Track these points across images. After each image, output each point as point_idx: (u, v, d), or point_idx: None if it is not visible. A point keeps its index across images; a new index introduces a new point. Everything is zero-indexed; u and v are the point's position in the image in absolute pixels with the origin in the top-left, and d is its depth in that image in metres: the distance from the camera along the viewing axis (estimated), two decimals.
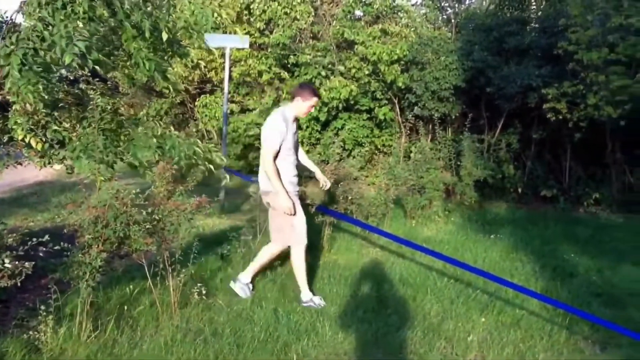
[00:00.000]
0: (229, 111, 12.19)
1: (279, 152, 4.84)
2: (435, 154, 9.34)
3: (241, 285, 5.09)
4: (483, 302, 5.11)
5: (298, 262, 5.00)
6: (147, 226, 4.17)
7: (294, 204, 4.86)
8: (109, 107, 5.17)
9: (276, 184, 4.78)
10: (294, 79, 11.59)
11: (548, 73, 9.71)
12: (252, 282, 5.19)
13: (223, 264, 5.81)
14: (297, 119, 5.06)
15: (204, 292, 4.71)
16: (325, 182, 5.44)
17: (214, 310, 4.69)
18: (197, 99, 12.97)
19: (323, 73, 11.17)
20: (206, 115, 12.55)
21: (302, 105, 4.99)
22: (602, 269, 6.34)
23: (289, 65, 11.92)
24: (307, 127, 11.53)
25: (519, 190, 10.59)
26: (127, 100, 15.25)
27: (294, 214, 4.87)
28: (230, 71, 12.06)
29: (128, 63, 5.14)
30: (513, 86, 9.74)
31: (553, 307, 4.96)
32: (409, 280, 5.64)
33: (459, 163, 9.46)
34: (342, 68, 11.25)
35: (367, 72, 11.01)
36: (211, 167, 5.16)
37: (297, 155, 5.12)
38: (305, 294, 4.97)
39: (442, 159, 9.24)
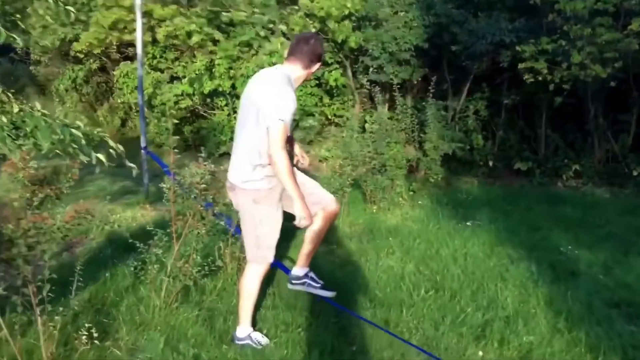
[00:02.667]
0: (155, 81, 10.58)
1: None
2: (396, 125, 7.99)
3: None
4: (477, 325, 3.82)
5: (250, 286, 3.52)
6: None
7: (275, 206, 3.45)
8: None
9: (290, 185, 3.25)
10: (229, 41, 9.99)
11: (523, 27, 8.43)
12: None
13: (135, 281, 4.31)
14: None
15: (94, 334, 3.27)
16: (303, 157, 3.89)
17: None
18: (118, 67, 11.23)
19: (262, 33, 9.61)
20: (128, 86, 10.83)
21: (304, 74, 3.52)
22: (607, 263, 5.17)
23: (222, 25, 10.31)
24: None
25: (490, 163, 9.38)
26: (42, 69, 13.44)
27: (308, 225, 3.39)
28: (154, 32, 10.40)
29: None
30: (482, 43, 8.42)
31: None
32: (377, 294, 4.30)
33: (422, 135, 8.14)
34: (284, 27, 9.70)
35: (313, 31, 9.49)
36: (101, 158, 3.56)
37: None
38: (244, 329, 3.55)
39: (404, 130, 7.88)
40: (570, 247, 5.56)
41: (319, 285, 3.66)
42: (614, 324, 3.91)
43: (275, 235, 3.45)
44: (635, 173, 8.63)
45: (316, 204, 3.51)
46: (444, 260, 5.07)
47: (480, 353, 3.45)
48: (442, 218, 6.56)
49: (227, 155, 9.85)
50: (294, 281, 3.68)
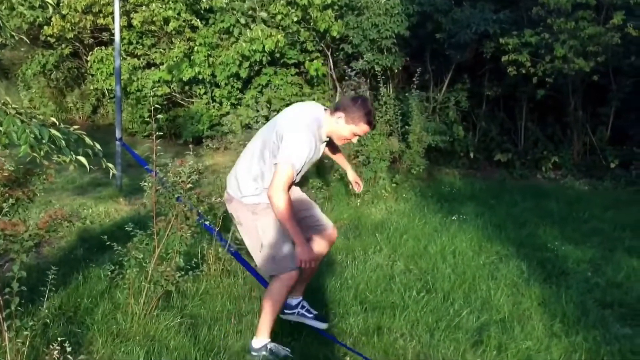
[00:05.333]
0: (131, 67, 10.23)
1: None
2: (379, 116, 7.83)
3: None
4: (472, 329, 3.71)
5: (276, 301, 3.26)
6: None
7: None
8: None
9: (290, 228, 3.08)
10: (208, 28, 9.68)
11: (507, 18, 8.32)
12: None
13: (111, 285, 4.06)
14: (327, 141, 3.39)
15: (67, 348, 3.01)
16: (357, 183, 3.79)
17: None
18: (92, 52, 10.79)
19: (242, 20, 9.30)
20: (102, 72, 10.42)
21: (343, 129, 3.25)
22: (594, 260, 5.14)
23: (201, 12, 10.00)
24: (226, 84, 9.72)
25: (471, 154, 9.31)
26: (7, 52, 12.90)
27: (311, 267, 3.21)
28: (130, 17, 10.04)
29: None
30: (467, 32, 8.29)
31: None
32: (367, 296, 4.16)
33: (406, 127, 7.99)
34: (264, 14, 9.42)
35: (295, 19, 9.24)
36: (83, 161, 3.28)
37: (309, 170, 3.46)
38: (261, 341, 3.29)
39: (388, 122, 7.72)
40: (557, 243, 5.51)
41: (312, 315, 3.48)
42: (610, 326, 3.85)
43: (285, 240, 3.22)
44: (612, 165, 8.67)
45: (311, 228, 3.38)
46: (433, 258, 4.96)
47: None
48: (427, 212, 6.46)
49: (201, 142, 9.63)
50: (286, 310, 3.49)
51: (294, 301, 3.50)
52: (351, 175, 3.83)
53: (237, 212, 3.32)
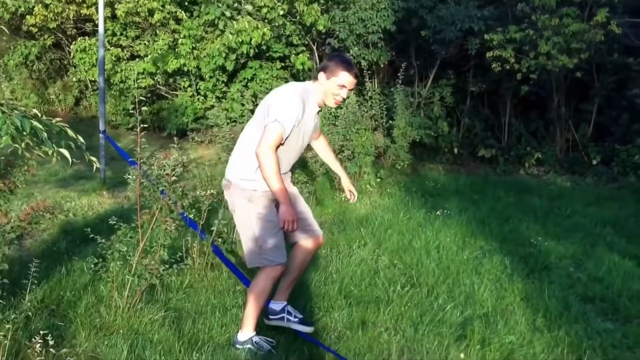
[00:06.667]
0: (114, 58, 10.11)
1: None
2: (365, 112, 7.83)
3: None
4: (456, 324, 3.73)
5: (260, 292, 3.28)
6: None
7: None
8: None
9: (276, 185, 3.08)
10: (193, 20, 9.60)
11: (491, 15, 8.35)
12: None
13: (93, 279, 4.01)
14: (320, 109, 3.39)
15: (50, 341, 2.99)
16: (351, 192, 3.74)
17: None
18: (75, 42, 10.65)
19: (228, 13, 9.23)
20: (85, 62, 10.29)
21: (328, 86, 3.25)
22: (576, 256, 5.20)
23: (186, 3, 9.92)
24: (211, 77, 9.65)
25: (455, 150, 9.34)
26: None
27: (293, 229, 3.15)
28: (114, 8, 9.92)
29: None
30: (452, 29, 8.30)
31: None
32: (352, 290, 4.16)
33: (392, 122, 8.01)
34: (249, 7, 9.36)
35: (281, 13, 9.20)
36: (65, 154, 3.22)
37: (299, 155, 3.46)
38: (246, 334, 3.31)
39: (373, 117, 7.72)
40: (539, 238, 5.54)
41: (297, 319, 3.47)
42: (592, 321, 3.89)
43: (276, 232, 3.23)
44: (595, 162, 8.75)
45: (301, 230, 3.35)
46: (417, 252, 4.97)
47: (462, 355, 3.35)
48: (412, 207, 6.48)
49: (185, 135, 9.55)
50: (271, 316, 3.48)
51: (278, 306, 3.50)
52: (345, 183, 3.77)
53: (232, 198, 3.31)
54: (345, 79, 3.24)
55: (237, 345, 3.29)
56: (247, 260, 3.33)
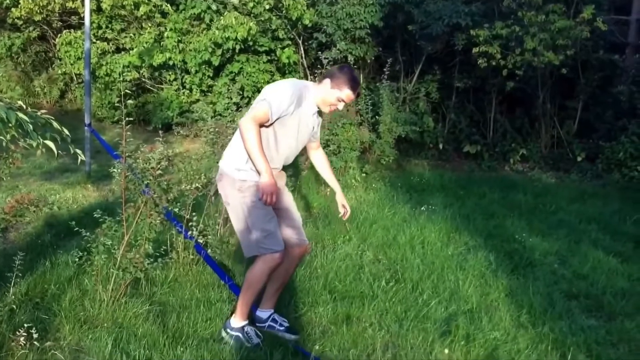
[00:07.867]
0: (100, 51, 10.02)
1: (268, 127, 3.19)
2: (350, 106, 7.82)
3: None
4: (441, 319, 3.73)
5: (255, 280, 3.28)
6: None
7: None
8: None
9: (257, 158, 3.07)
10: (179, 14, 9.52)
11: (478, 11, 8.37)
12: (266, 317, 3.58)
13: (79, 271, 3.97)
14: (318, 112, 3.38)
15: (34, 334, 2.97)
16: (344, 208, 3.75)
17: None
18: (60, 35, 10.53)
19: (214, 7, 9.19)
20: (70, 55, 10.18)
21: (328, 94, 3.26)
22: (561, 252, 5.21)
23: None
24: (197, 71, 9.59)
25: (440, 145, 9.37)
26: None
27: (272, 202, 3.14)
28: (100, 1, 9.82)
29: None
30: (439, 24, 8.31)
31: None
32: (337, 285, 4.16)
33: (377, 117, 8.01)
34: (236, 1, 9.31)
35: (267, 7, 9.15)
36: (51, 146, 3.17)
37: (294, 154, 3.46)
38: (238, 321, 3.34)
39: (359, 112, 7.72)
40: (524, 235, 5.56)
41: (283, 328, 3.49)
42: (576, 317, 3.90)
43: (270, 219, 3.23)
44: (579, 159, 8.81)
45: (287, 229, 3.38)
46: (402, 248, 4.98)
47: (447, 351, 3.35)
48: (396, 203, 6.49)
49: (171, 129, 9.48)
50: (257, 324, 3.50)
51: (265, 314, 3.52)
52: (340, 198, 3.76)
53: (225, 191, 3.30)
54: (348, 96, 3.29)
55: (228, 330, 3.32)
56: (245, 251, 3.33)
